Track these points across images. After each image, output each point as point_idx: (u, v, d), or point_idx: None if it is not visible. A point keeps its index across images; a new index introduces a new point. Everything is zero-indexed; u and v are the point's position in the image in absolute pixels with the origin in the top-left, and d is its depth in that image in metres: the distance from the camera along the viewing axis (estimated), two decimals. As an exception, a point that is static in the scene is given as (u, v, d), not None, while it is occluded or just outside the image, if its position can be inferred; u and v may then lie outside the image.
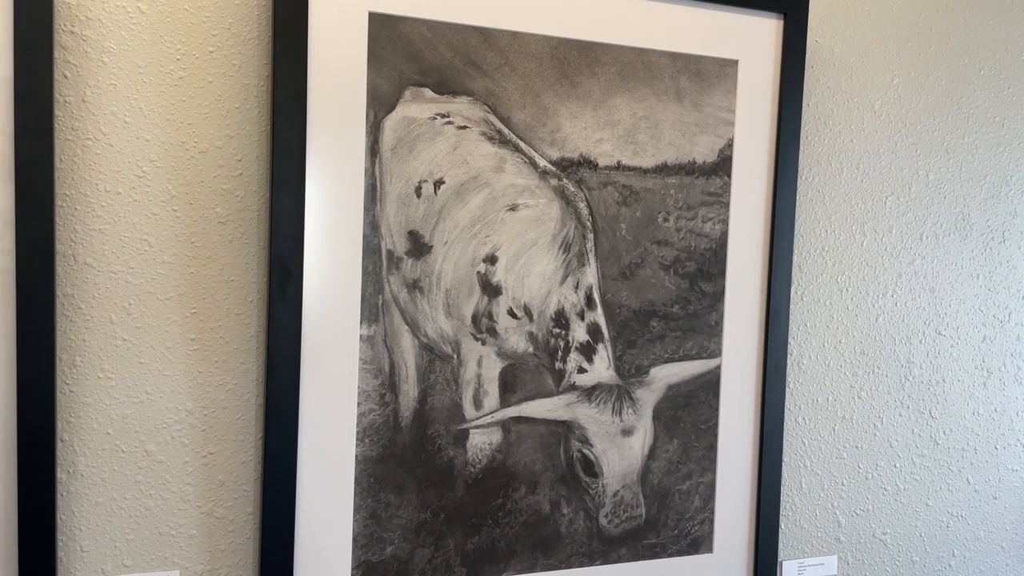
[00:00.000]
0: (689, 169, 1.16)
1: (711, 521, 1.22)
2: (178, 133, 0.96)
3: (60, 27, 0.92)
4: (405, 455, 1.05)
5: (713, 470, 1.22)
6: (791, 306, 1.29)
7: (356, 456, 1.03)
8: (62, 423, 0.94)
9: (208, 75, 0.97)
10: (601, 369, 1.13)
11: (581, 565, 1.15)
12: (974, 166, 1.41)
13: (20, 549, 0.90)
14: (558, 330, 1.11)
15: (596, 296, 1.13)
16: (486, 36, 1.05)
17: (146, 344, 0.97)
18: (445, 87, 1.03)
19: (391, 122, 1.01)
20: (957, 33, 1.38)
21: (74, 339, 0.94)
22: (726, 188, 1.19)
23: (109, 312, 0.95)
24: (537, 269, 1.09)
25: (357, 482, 1.03)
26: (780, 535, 1.31)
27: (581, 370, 1.12)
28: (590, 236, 1.12)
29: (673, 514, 1.20)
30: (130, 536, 0.97)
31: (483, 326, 1.07)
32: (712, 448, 1.21)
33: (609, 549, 1.16)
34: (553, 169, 1.09)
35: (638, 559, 1.18)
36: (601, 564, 1.16)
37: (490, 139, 1.06)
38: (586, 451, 1.14)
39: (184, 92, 0.96)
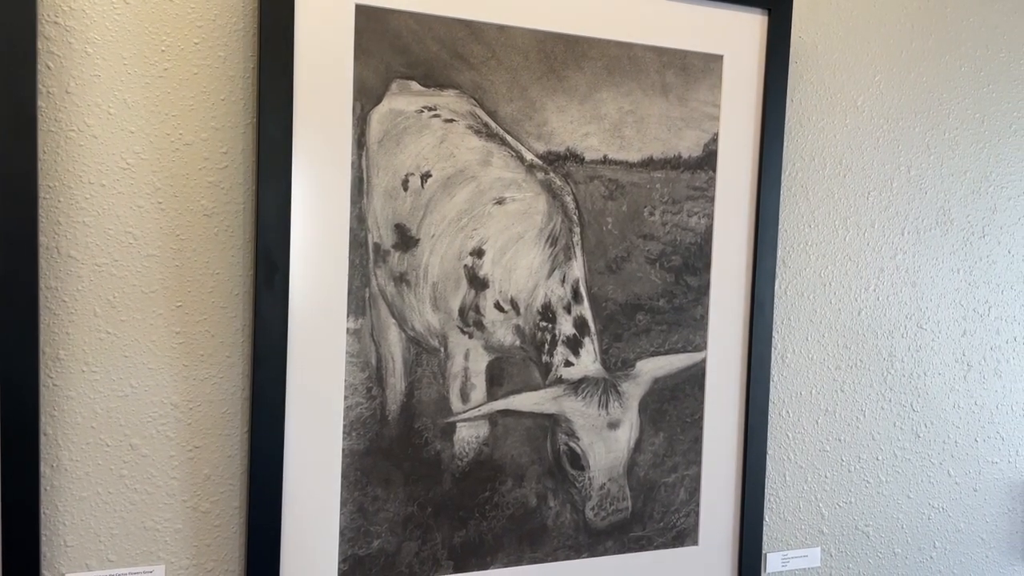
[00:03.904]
0: (675, 163, 1.17)
1: (696, 514, 1.23)
2: (163, 125, 0.96)
3: (43, 17, 0.91)
4: (392, 448, 1.05)
5: (698, 463, 1.22)
6: (775, 300, 1.30)
7: (343, 450, 1.02)
8: (46, 417, 0.93)
9: (193, 67, 0.97)
10: (587, 362, 1.14)
11: (568, 558, 1.15)
12: (955, 162, 1.42)
13: (3, 544, 0.89)
14: (545, 323, 1.11)
15: (582, 290, 1.13)
16: (473, 29, 1.05)
17: (131, 338, 0.96)
18: (432, 80, 1.03)
19: (378, 115, 1.01)
20: (938, 31, 1.40)
21: (58, 332, 0.93)
22: (711, 183, 1.20)
23: (93, 305, 0.94)
24: (524, 263, 1.10)
25: (344, 476, 1.03)
26: (764, 527, 1.32)
27: (567, 363, 1.13)
28: (576, 230, 1.12)
29: (659, 507, 1.20)
30: (115, 531, 0.97)
31: (470, 319, 1.08)
32: (697, 441, 1.22)
33: (595, 542, 1.17)
34: (540, 163, 1.09)
35: (624, 552, 1.18)
36: (587, 557, 1.16)
37: (477, 132, 1.06)
38: (572, 444, 1.14)
39: (169, 84, 0.96)
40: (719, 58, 1.18)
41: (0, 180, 0.86)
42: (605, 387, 1.15)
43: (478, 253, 1.07)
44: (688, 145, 1.18)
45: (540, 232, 1.10)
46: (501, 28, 1.06)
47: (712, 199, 1.20)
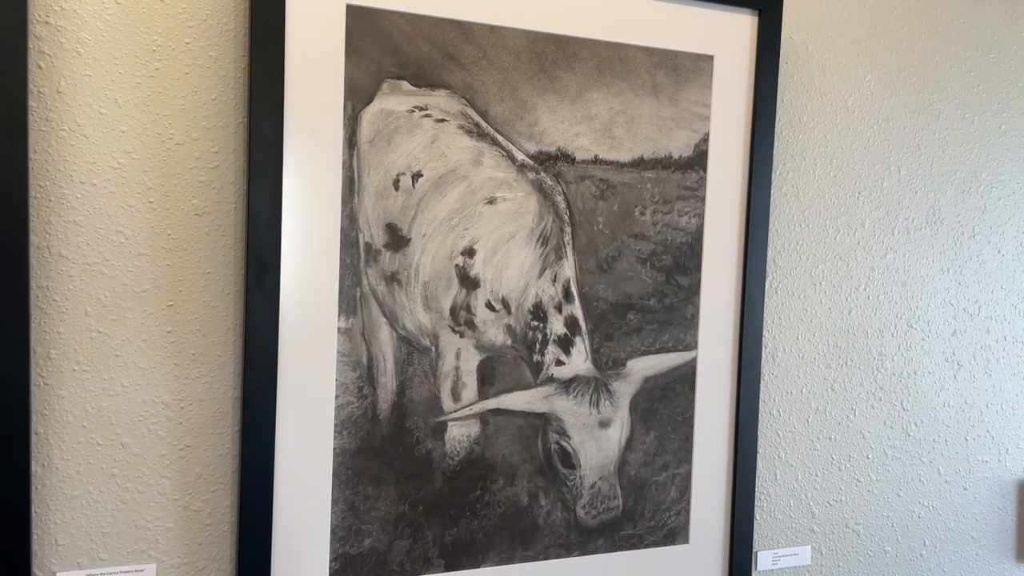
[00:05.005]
0: (665, 163, 1.17)
1: (687, 512, 1.23)
2: (154, 125, 0.96)
3: (34, 17, 0.91)
4: (383, 447, 1.05)
5: (689, 461, 1.23)
6: (766, 299, 1.31)
7: (334, 449, 1.03)
8: (37, 416, 0.93)
9: (184, 66, 0.97)
10: (579, 361, 1.14)
11: (559, 556, 1.16)
12: (945, 162, 1.43)
13: (-6, 543, 0.89)
14: (536, 323, 1.12)
15: (573, 289, 1.13)
16: (464, 29, 1.05)
17: (122, 337, 0.96)
18: (423, 80, 1.04)
19: (369, 115, 1.01)
20: (928, 31, 1.41)
21: (49, 332, 0.93)
22: (702, 182, 1.20)
23: (84, 304, 0.94)
24: (515, 262, 1.10)
25: (335, 475, 1.03)
26: (755, 525, 1.33)
27: (559, 362, 1.13)
28: (568, 229, 1.13)
29: (650, 505, 1.21)
30: (106, 529, 0.97)
31: (461, 319, 1.08)
32: (688, 440, 1.23)
33: (586, 540, 1.17)
34: (531, 163, 1.10)
35: (615, 550, 1.19)
36: (578, 555, 1.17)
37: (468, 132, 1.06)
38: (564, 443, 1.15)
39: (160, 83, 0.96)
40: (710, 58, 1.19)
41: (-9, 179, 0.86)
42: (596, 386, 1.16)
43: (469, 253, 1.08)
44: (679, 145, 1.18)
45: (531, 232, 1.11)
46: (492, 28, 1.06)
47: (703, 199, 1.20)
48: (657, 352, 1.19)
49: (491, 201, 1.08)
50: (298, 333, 1.00)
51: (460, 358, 1.08)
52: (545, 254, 1.12)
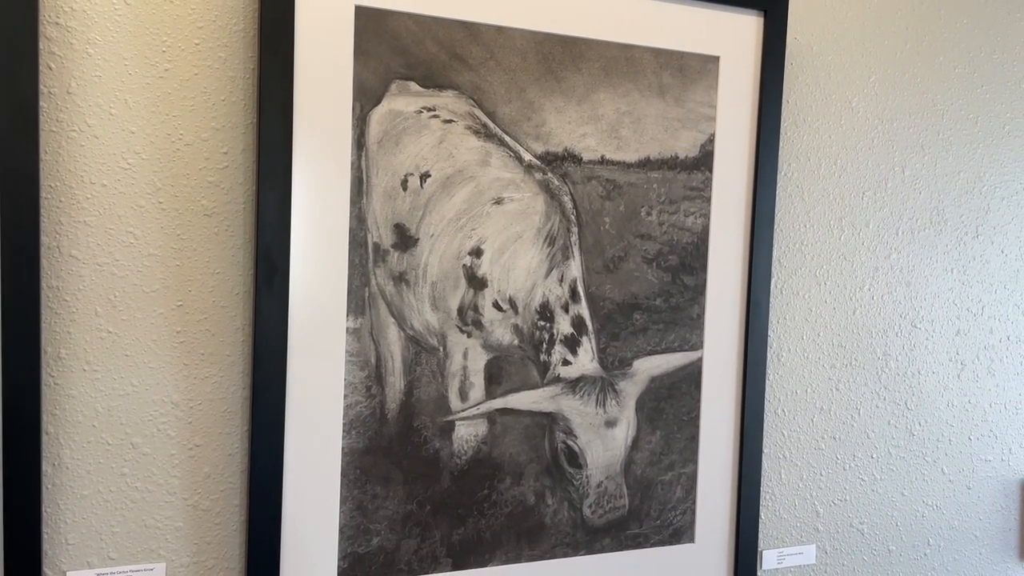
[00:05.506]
0: (671, 164, 1.18)
1: (693, 511, 1.24)
2: (164, 125, 0.96)
3: (45, 18, 0.91)
4: (391, 447, 1.05)
5: (695, 461, 1.23)
6: (771, 299, 1.31)
7: (342, 448, 1.03)
8: (47, 416, 0.94)
9: (194, 67, 0.97)
10: (585, 361, 1.15)
11: (565, 555, 1.16)
12: (948, 162, 1.44)
13: (5, 541, 0.89)
14: (543, 323, 1.12)
15: (580, 289, 1.14)
16: (472, 30, 1.05)
17: (132, 336, 0.96)
18: (431, 81, 1.04)
19: (377, 115, 1.02)
20: (932, 32, 1.41)
21: (59, 332, 0.94)
22: (707, 183, 1.21)
23: (95, 304, 0.95)
24: (522, 262, 1.10)
25: (343, 474, 1.03)
26: (760, 525, 1.33)
27: (565, 362, 1.14)
28: (574, 230, 1.13)
29: (656, 504, 1.21)
30: (116, 529, 0.97)
31: (469, 319, 1.08)
32: (694, 439, 1.23)
33: (593, 539, 1.17)
34: (538, 163, 1.10)
35: (621, 549, 1.19)
36: (585, 554, 1.17)
37: (475, 133, 1.07)
38: (570, 442, 1.15)
39: (170, 84, 0.96)
40: (716, 59, 1.19)
41: (2, 180, 0.86)
42: (603, 386, 1.16)
43: (477, 253, 1.08)
44: (685, 145, 1.18)
45: (538, 232, 1.11)
46: (499, 29, 1.07)
47: (708, 199, 1.21)
48: (663, 352, 1.20)
49: (498, 201, 1.09)
50: (307, 333, 1.00)
51: (467, 358, 1.09)
52: (552, 254, 1.12)
